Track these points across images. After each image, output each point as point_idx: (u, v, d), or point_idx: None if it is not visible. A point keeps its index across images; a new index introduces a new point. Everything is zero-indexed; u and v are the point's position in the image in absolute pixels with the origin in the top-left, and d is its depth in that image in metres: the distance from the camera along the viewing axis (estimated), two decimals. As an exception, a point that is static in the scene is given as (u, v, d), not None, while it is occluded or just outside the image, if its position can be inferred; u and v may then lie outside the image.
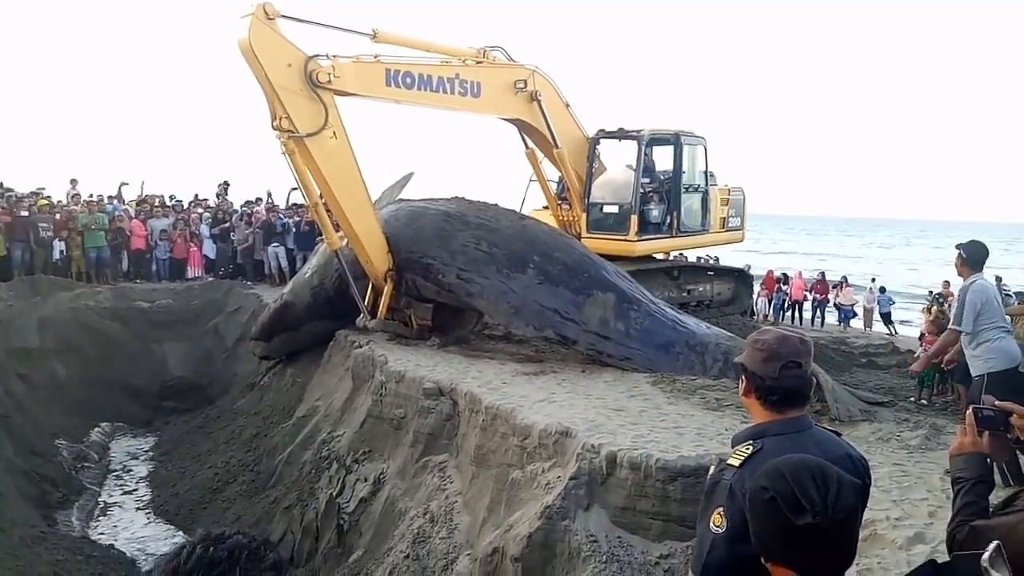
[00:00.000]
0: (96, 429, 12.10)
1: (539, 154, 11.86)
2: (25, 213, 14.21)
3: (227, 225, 16.66)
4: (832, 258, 49.86)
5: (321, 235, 10.10)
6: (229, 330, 14.17)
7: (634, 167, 11.66)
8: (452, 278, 8.89)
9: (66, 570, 7.45)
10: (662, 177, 12.17)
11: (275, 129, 8.41)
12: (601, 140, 12.02)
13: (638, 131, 11.77)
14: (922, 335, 10.83)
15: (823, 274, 18.08)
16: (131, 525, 9.44)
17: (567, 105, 11.54)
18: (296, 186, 9.47)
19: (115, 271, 15.40)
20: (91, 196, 16.14)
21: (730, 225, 13.48)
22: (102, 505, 10.00)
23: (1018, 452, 2.21)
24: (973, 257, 5.76)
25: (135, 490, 10.51)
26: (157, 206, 17.00)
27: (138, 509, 9.90)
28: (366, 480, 7.37)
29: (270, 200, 17.56)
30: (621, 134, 11.96)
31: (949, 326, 5.98)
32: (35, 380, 11.86)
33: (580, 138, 11.82)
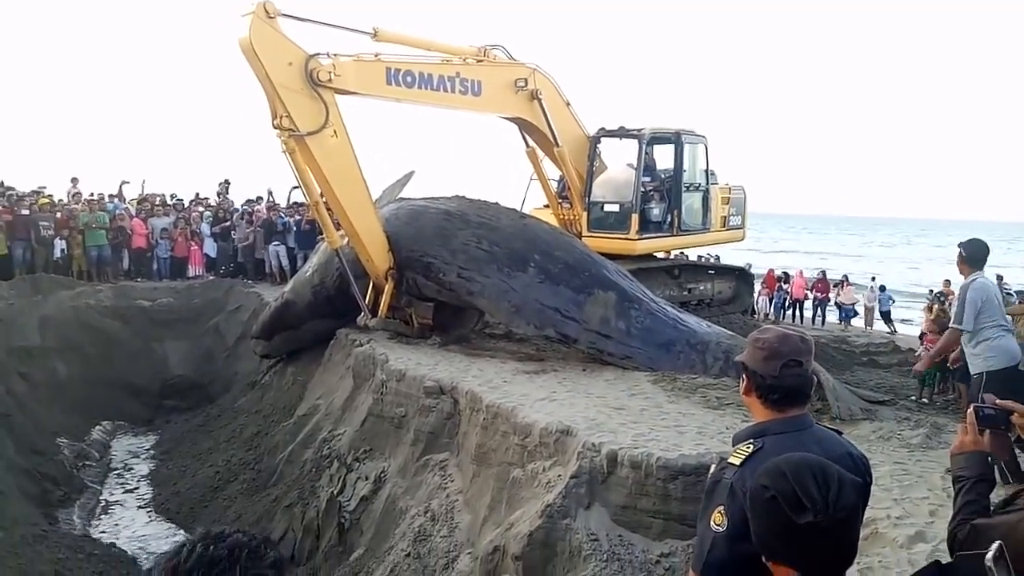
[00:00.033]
0: (97, 427, 12.11)
1: (540, 153, 11.85)
2: (26, 212, 14.22)
3: (228, 224, 16.66)
4: (833, 257, 49.85)
5: (322, 234, 10.10)
6: (230, 329, 14.18)
7: (635, 166, 11.65)
8: (453, 277, 8.89)
9: (67, 568, 7.45)
10: (663, 176, 12.16)
11: (276, 128, 8.41)
12: (602, 139, 12.01)
13: (639, 130, 11.76)
14: (923, 334, 10.82)
15: (824, 273, 18.06)
16: (132, 523, 9.45)
17: (568, 104, 11.53)
18: (297, 185, 9.47)
19: (116, 270, 15.40)
20: (92, 195, 16.15)
21: (731, 224, 13.47)
22: (103, 503, 10.01)
23: (1018, 450, 2.21)
24: (973, 255, 5.76)
25: (136, 488, 10.51)
26: (158, 205, 16.99)
27: (139, 507, 9.91)
28: (367, 479, 7.38)
29: (271, 199, 17.56)
30: (622, 133, 11.95)
31: (950, 325, 5.97)
32: (36, 379, 11.87)
33: (581, 137, 11.81)
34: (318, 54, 8.39)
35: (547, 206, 12.72)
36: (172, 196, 17.96)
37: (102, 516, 9.67)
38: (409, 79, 9.21)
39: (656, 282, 11.21)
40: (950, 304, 8.75)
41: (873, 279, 18.61)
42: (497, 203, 9.70)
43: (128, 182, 17.52)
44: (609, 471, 5.20)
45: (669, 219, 11.96)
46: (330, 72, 8.36)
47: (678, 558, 4.80)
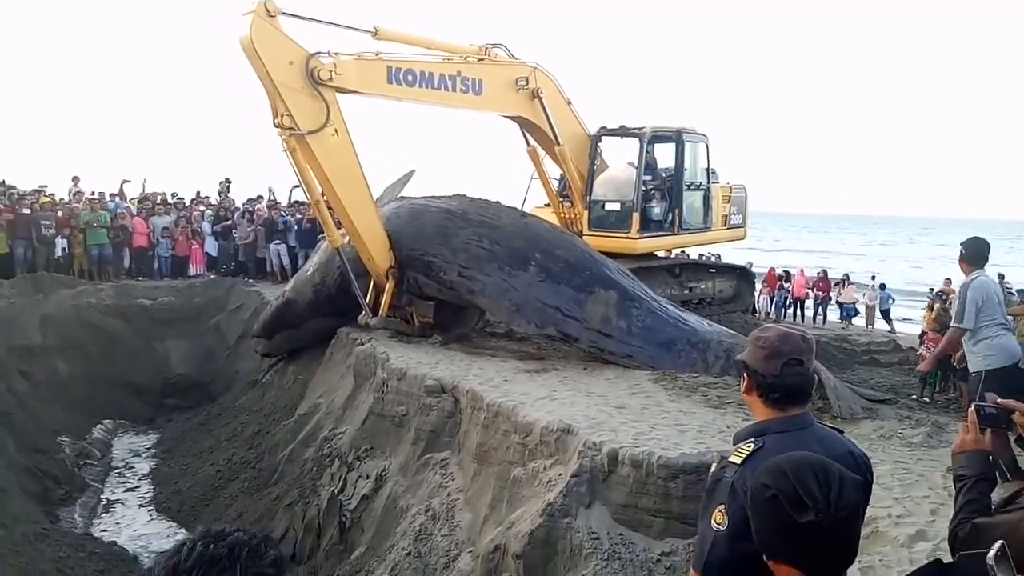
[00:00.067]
0: (98, 426, 12.11)
1: (541, 152, 11.84)
2: (27, 211, 14.24)
3: (229, 223, 16.67)
4: (834, 256, 49.78)
5: (323, 232, 10.10)
6: (231, 328, 14.18)
7: (636, 164, 11.65)
8: (454, 275, 8.89)
9: (68, 567, 7.46)
10: (664, 174, 12.16)
11: (277, 126, 8.41)
12: (603, 137, 12.00)
13: (640, 128, 11.75)
14: (923, 333, 10.81)
15: (825, 272, 18.04)
16: (133, 522, 9.46)
17: (569, 102, 11.53)
18: (298, 183, 9.47)
19: (117, 268, 15.41)
20: (93, 194, 16.16)
21: (732, 222, 13.46)
22: (104, 502, 10.02)
23: (1018, 449, 2.20)
24: (974, 254, 5.76)
25: (137, 487, 10.52)
26: (159, 203, 17.00)
27: (140, 506, 9.91)
28: (368, 477, 7.38)
29: (272, 197, 17.57)
30: (623, 131, 11.95)
31: (951, 324, 5.97)
32: (37, 377, 11.88)
33: (582, 135, 11.80)
34: (319, 53, 8.39)
35: (548, 205, 12.71)
36: (173, 195, 17.96)
37: (103, 514, 9.68)
38: (410, 78, 9.21)
39: (657, 281, 11.21)
40: (951, 303, 8.74)
41: (873, 278, 18.59)
42: (498, 202, 9.70)
43: (129, 181, 17.56)
44: (610, 470, 5.20)
45: (670, 218, 11.95)
46: (331, 71, 8.36)
47: (679, 557, 4.80)
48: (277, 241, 15.50)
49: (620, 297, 8.47)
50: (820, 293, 17.04)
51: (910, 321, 19.18)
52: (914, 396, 8.15)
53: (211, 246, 16.63)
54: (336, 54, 8.54)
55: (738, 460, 1.98)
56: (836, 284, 17.46)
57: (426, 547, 6.07)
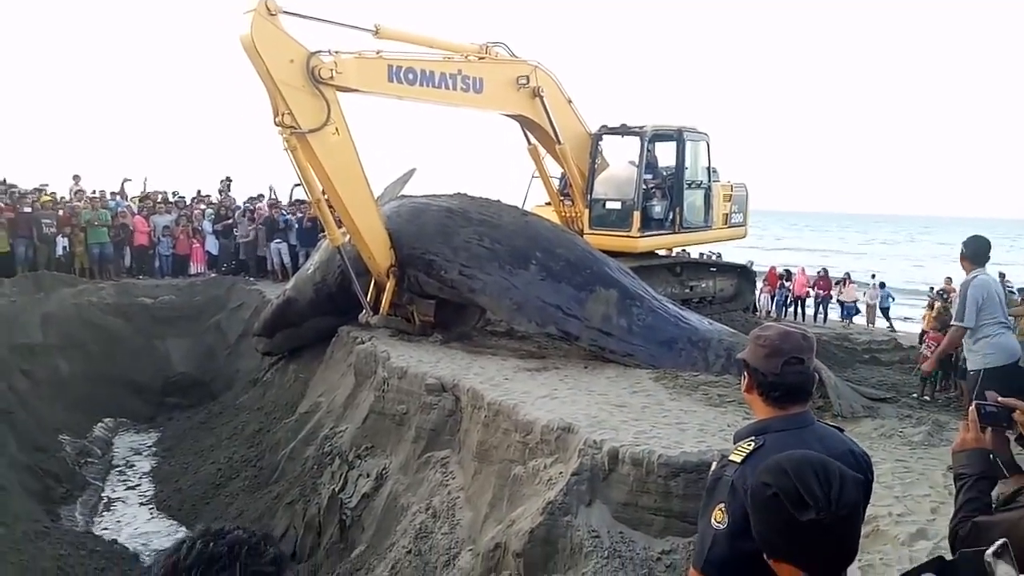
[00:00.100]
0: (99, 425, 12.12)
1: (541, 150, 11.84)
2: (28, 209, 14.24)
3: (230, 221, 16.66)
4: (835, 254, 49.75)
5: (323, 231, 10.10)
6: (232, 326, 14.19)
7: (637, 163, 11.65)
8: (454, 274, 8.89)
9: (69, 565, 7.47)
10: (665, 173, 12.15)
11: (277, 125, 8.41)
12: (604, 136, 11.99)
13: (641, 127, 11.74)
14: (924, 332, 10.80)
15: (826, 270, 18.03)
16: (134, 520, 9.47)
17: (569, 101, 11.52)
18: (299, 182, 9.47)
19: (118, 267, 15.42)
20: (94, 192, 16.16)
21: (733, 221, 13.45)
22: (105, 500, 10.03)
23: (1020, 448, 2.20)
24: (975, 252, 5.75)
25: (138, 485, 10.53)
26: (160, 202, 17.00)
27: (141, 504, 9.92)
28: (368, 476, 7.39)
29: (273, 196, 17.57)
30: (624, 130, 11.94)
31: (952, 322, 5.97)
32: (38, 376, 11.89)
33: (583, 134, 11.80)
34: (320, 51, 8.38)
35: (549, 203, 12.71)
36: (174, 193, 17.97)
37: (104, 513, 9.69)
38: (411, 76, 9.20)
39: (658, 279, 11.20)
40: (952, 302, 8.73)
41: (873, 276, 18.58)
42: (499, 201, 9.69)
43: (130, 179, 17.57)
44: (610, 468, 5.20)
45: (671, 216, 11.94)
46: (332, 69, 8.35)
47: (679, 555, 4.80)
48: (278, 240, 15.50)
49: (621, 296, 8.47)
50: (821, 292, 17.03)
51: (911, 320, 19.18)
52: (915, 395, 8.14)
53: (212, 245, 16.63)
54: (337, 52, 8.54)
55: (738, 458, 1.97)
56: (837, 283, 17.45)
57: (427, 545, 6.08)
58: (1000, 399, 2.19)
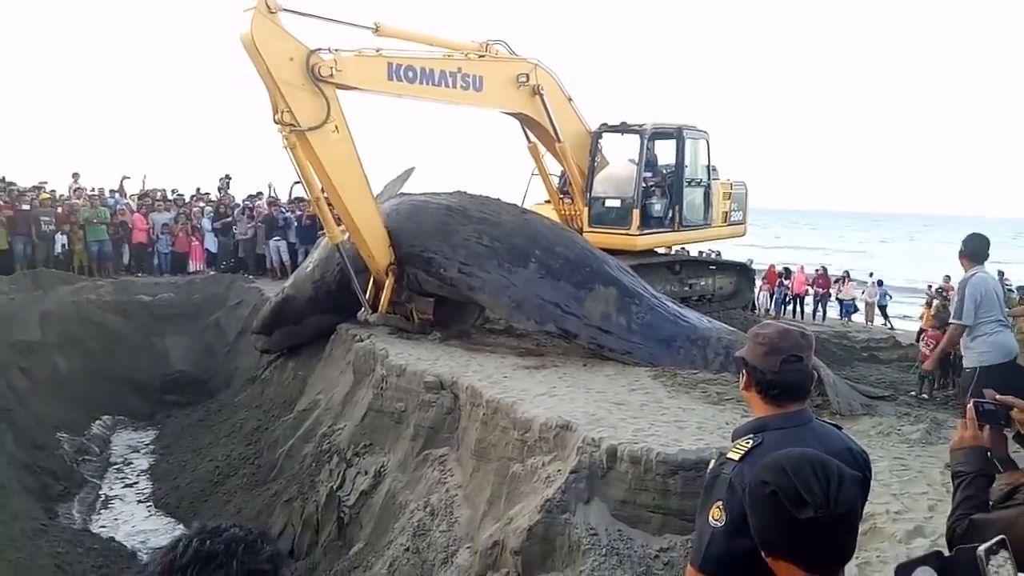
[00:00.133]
0: (97, 422, 12.12)
1: (541, 148, 11.83)
2: (27, 207, 14.23)
3: (229, 219, 16.65)
4: (834, 252, 49.74)
5: (323, 229, 10.09)
6: (230, 324, 14.18)
7: (636, 161, 11.64)
8: (454, 272, 8.89)
9: (67, 562, 7.47)
10: (664, 171, 12.14)
11: (277, 123, 8.40)
12: (603, 134, 11.98)
13: (640, 125, 11.73)
14: (922, 331, 10.80)
15: (825, 268, 18.04)
16: (132, 518, 9.47)
17: (569, 99, 11.51)
18: (298, 180, 9.47)
19: (117, 265, 15.40)
20: (93, 190, 16.14)
21: (732, 219, 13.45)
22: (103, 498, 10.03)
23: (1018, 446, 2.20)
24: (974, 250, 5.75)
25: (136, 483, 10.53)
26: (159, 200, 16.98)
27: (139, 502, 9.92)
28: (367, 473, 7.39)
29: (273, 194, 17.56)
30: (623, 128, 11.93)
31: (950, 320, 5.97)
32: (37, 373, 11.88)
33: (582, 132, 11.79)
34: (319, 49, 8.37)
35: (548, 201, 12.70)
36: (173, 191, 17.95)
37: (102, 510, 9.68)
38: (411, 74, 9.19)
39: (657, 278, 11.20)
40: (950, 299, 8.73)
41: (871, 275, 18.59)
42: (498, 199, 9.69)
43: (129, 177, 17.56)
44: (609, 466, 5.20)
45: (670, 215, 11.94)
46: (331, 67, 8.34)
47: (677, 553, 4.80)
48: (277, 237, 15.49)
49: (620, 294, 8.47)
50: (820, 290, 17.04)
51: (910, 318, 19.18)
52: (913, 393, 8.15)
53: (211, 242, 16.62)
54: (336, 50, 8.53)
55: (736, 456, 1.97)
56: (836, 281, 17.46)
57: (424, 543, 6.08)
58: (998, 397, 2.19)
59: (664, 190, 11.91)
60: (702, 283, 12.79)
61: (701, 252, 15.37)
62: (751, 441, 2.00)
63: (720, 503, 1.93)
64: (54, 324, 12.80)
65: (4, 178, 15.62)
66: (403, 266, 9.28)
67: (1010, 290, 11.84)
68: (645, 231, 11.59)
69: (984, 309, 5.57)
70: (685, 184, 12.08)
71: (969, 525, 1.98)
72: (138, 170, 29.81)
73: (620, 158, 12.25)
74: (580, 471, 5.19)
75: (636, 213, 11.40)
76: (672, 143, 12.05)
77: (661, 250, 12.54)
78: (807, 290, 17.19)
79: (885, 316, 16.74)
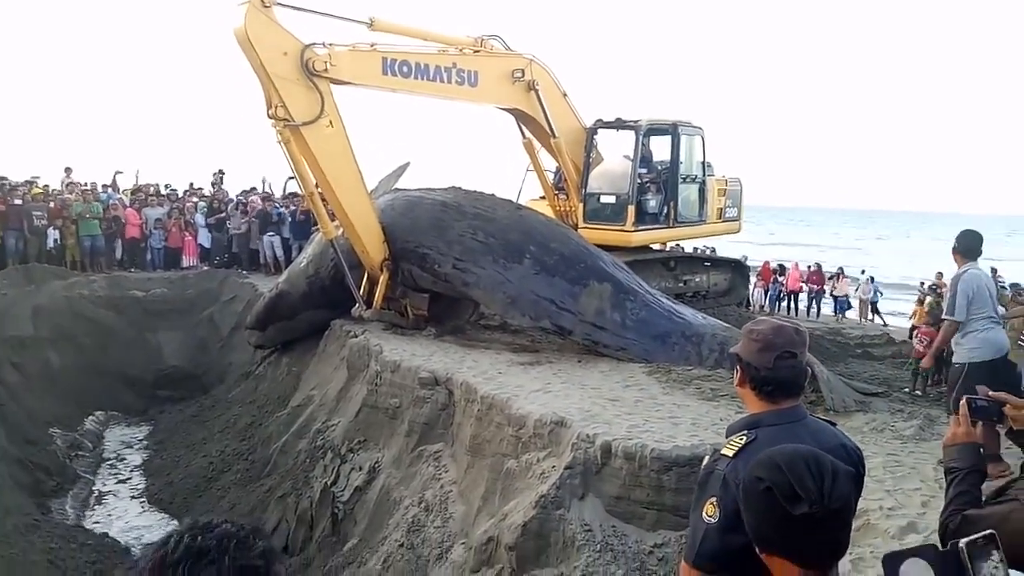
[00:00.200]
0: (90, 418, 12.09)
1: (536, 144, 11.82)
2: (19, 201, 14.16)
3: (222, 214, 16.61)
4: (829, 249, 49.88)
5: (317, 224, 10.07)
6: (224, 319, 14.15)
7: (631, 157, 11.63)
8: (448, 268, 8.87)
9: (60, 558, 7.45)
10: (659, 167, 12.15)
11: (271, 118, 8.36)
12: (599, 130, 11.98)
13: (636, 121, 11.73)
14: (914, 328, 10.84)
15: (819, 265, 18.09)
16: (125, 514, 9.45)
17: (565, 95, 11.50)
18: (292, 175, 9.43)
19: (109, 260, 15.34)
20: (85, 184, 16.06)
21: (727, 216, 13.47)
22: (96, 494, 10.00)
23: (1011, 442, 2.21)
24: (967, 246, 5.76)
25: (129, 479, 10.50)
26: (152, 195, 16.91)
27: (132, 498, 9.90)
28: (361, 469, 7.38)
29: (267, 189, 17.50)
30: (619, 124, 11.92)
31: (943, 316, 5.98)
32: (29, 369, 11.83)
33: (578, 128, 11.78)
34: (314, 44, 8.33)
35: (543, 197, 12.70)
36: (166, 186, 17.90)
37: (95, 506, 9.67)
38: (405, 69, 9.16)
39: (652, 274, 11.21)
40: (944, 296, 8.75)
41: (863, 272, 18.66)
42: (493, 194, 9.68)
43: (122, 172, 17.47)
44: (603, 462, 5.21)
45: (665, 211, 11.95)
46: (325, 62, 8.31)
47: (671, 549, 4.81)
48: (271, 233, 15.45)
49: (615, 290, 8.47)
50: (814, 286, 17.09)
51: (904, 315, 19.26)
52: (906, 389, 8.18)
53: (204, 238, 16.57)
54: (331, 45, 8.49)
55: (730, 453, 1.97)
56: (830, 278, 17.52)
57: (419, 539, 6.08)
58: (991, 393, 2.19)
59: (659, 186, 11.92)
60: (697, 279, 12.81)
61: (696, 248, 15.39)
62: (745, 437, 2.00)
63: (714, 499, 1.93)
64: (46, 319, 12.76)
65: (-4, 173, 15.52)
66: (398, 262, 9.27)
67: (1003, 287, 11.89)
68: (640, 227, 11.59)
69: (976, 306, 5.58)
70: (680, 180, 12.09)
71: (962, 521, 1.99)
72: (131, 165, 29.66)
73: (615, 154, 12.25)
74: (575, 467, 5.19)
75: (631, 209, 11.41)
76: (667, 139, 12.06)
77: (656, 246, 12.55)
78: (801, 287, 17.24)
79: (876, 312, 16.80)
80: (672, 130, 11.97)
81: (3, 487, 8.36)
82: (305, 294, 10.23)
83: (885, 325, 15.79)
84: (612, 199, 11.67)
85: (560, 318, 8.40)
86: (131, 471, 10.74)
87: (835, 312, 16.85)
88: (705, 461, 2.10)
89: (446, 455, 6.74)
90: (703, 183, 12.58)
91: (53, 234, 14.64)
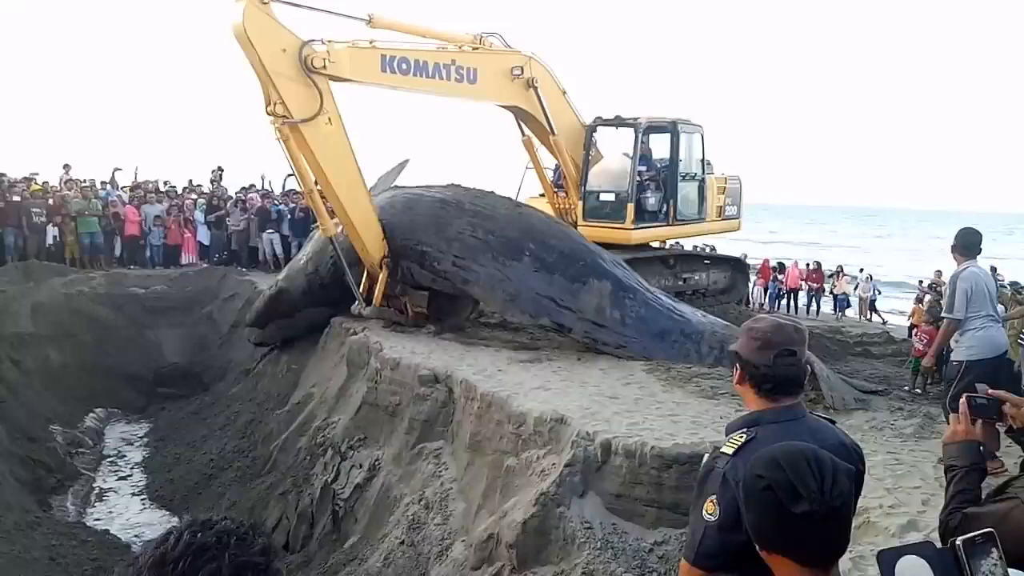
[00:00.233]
0: (91, 415, 12.09)
1: (536, 141, 11.81)
2: (18, 198, 14.16)
3: (222, 211, 16.59)
4: (829, 247, 49.86)
5: (316, 222, 10.06)
6: (224, 317, 14.15)
7: (631, 155, 11.63)
8: (448, 265, 8.87)
9: (61, 555, 7.46)
10: (659, 165, 12.15)
11: (270, 115, 8.34)
12: (598, 127, 11.97)
13: (635, 119, 11.73)
14: (913, 326, 10.83)
15: (819, 263, 18.09)
16: (126, 511, 9.46)
17: (564, 92, 11.49)
18: (291, 172, 9.42)
19: (109, 257, 15.34)
20: (84, 181, 16.04)
21: (727, 213, 13.47)
22: (97, 491, 10.01)
23: (1012, 440, 2.22)
24: (966, 244, 5.75)
25: (130, 476, 10.51)
26: (151, 192, 16.90)
27: (133, 495, 9.91)
28: (361, 467, 7.38)
29: (267, 186, 17.49)
30: (618, 122, 11.91)
31: (942, 314, 5.97)
32: (29, 366, 11.84)
33: (577, 125, 11.77)
34: (312, 40, 8.31)
35: (543, 195, 12.69)
36: (165, 183, 17.87)
37: (96, 503, 9.67)
38: (404, 66, 9.15)
39: (652, 271, 11.21)
40: (943, 294, 8.74)
41: (861, 271, 18.66)
42: (492, 192, 9.66)
43: (121, 169, 17.44)
44: (603, 460, 5.21)
45: (665, 208, 11.95)
46: (324, 59, 8.29)
47: (671, 547, 4.81)
48: (270, 230, 15.46)
49: (614, 288, 8.47)
50: (814, 285, 17.10)
51: (904, 313, 19.26)
52: (906, 387, 8.18)
53: (203, 235, 16.56)
54: (330, 42, 8.47)
55: (730, 450, 1.97)
56: (830, 276, 17.52)
57: (419, 536, 6.08)
58: (990, 391, 2.19)
59: (659, 184, 11.92)
60: (696, 277, 12.81)
61: (696, 246, 15.39)
62: (745, 435, 1.99)
63: (714, 497, 1.93)
64: (46, 316, 12.76)
65: (-5, 169, 15.50)
66: (397, 259, 9.26)
67: (1003, 285, 11.90)
68: (640, 225, 11.60)
69: (975, 304, 5.57)
70: (680, 178, 12.09)
71: (962, 519, 1.99)
72: (130, 162, 29.64)
73: (615, 152, 12.24)
74: (575, 465, 5.19)
75: (631, 207, 11.41)
76: (667, 137, 12.06)
77: (656, 244, 12.55)
78: (801, 285, 17.24)
79: (875, 310, 16.81)
80: (672, 128, 11.97)
81: (4, 484, 8.37)
82: (305, 291, 10.23)
83: (884, 323, 15.80)
84: (611, 197, 11.66)
85: (560, 315, 8.40)
86: (131, 468, 10.75)
87: (834, 310, 16.86)
88: (705, 459, 2.09)
89: (446, 453, 6.75)
90: (703, 181, 12.58)
91: (52, 231, 14.63)
